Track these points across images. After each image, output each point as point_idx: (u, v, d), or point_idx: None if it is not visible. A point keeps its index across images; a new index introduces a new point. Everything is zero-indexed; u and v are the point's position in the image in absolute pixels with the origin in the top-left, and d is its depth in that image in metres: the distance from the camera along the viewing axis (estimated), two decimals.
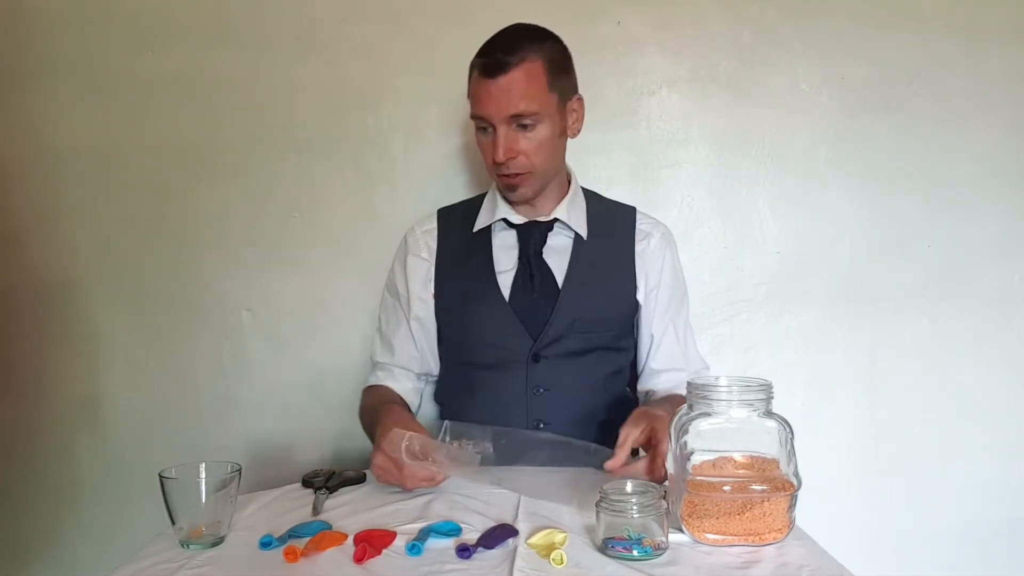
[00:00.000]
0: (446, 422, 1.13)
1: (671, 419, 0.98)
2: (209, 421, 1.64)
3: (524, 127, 1.18)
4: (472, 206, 1.36)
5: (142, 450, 1.64)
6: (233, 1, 1.57)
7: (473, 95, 1.19)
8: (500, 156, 1.17)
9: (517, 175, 1.20)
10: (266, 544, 0.85)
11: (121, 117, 1.59)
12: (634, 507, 0.82)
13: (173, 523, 0.86)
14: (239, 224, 1.61)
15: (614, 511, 0.82)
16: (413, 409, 1.33)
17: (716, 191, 1.61)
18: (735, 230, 1.62)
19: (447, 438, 1.11)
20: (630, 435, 1.01)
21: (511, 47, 1.16)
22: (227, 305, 1.62)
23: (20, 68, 1.59)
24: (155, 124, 1.59)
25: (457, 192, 1.47)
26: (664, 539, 0.83)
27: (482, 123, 1.19)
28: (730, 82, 1.59)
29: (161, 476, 0.86)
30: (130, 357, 1.63)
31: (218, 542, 0.87)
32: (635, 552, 0.81)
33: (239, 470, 0.89)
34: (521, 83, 1.15)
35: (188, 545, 0.86)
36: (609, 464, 0.99)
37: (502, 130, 1.17)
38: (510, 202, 1.29)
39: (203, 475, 0.88)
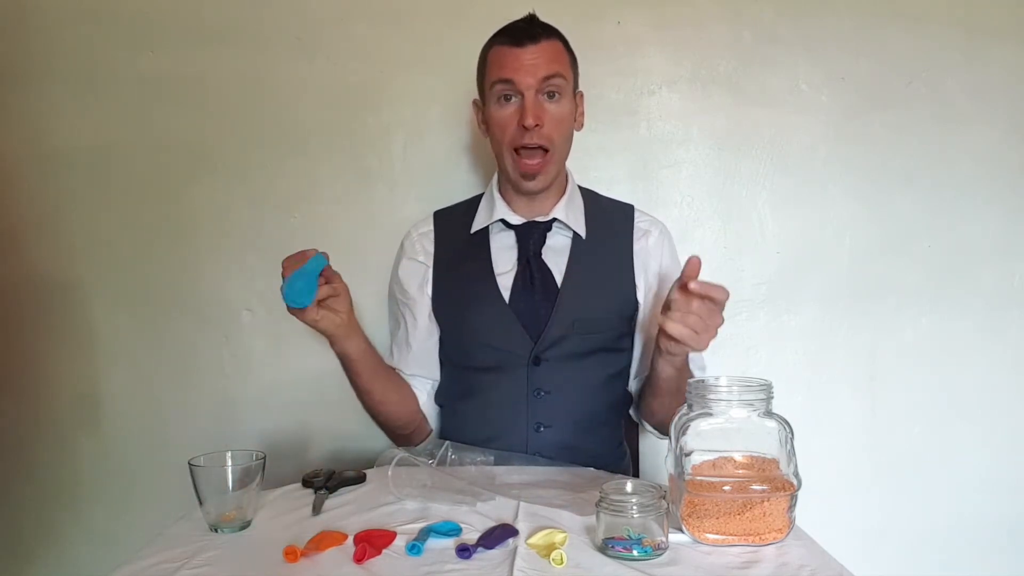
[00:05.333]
0: (447, 442, 1.13)
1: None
2: (209, 421, 1.64)
3: (551, 96, 1.20)
4: (469, 207, 1.35)
5: (142, 450, 1.64)
6: (233, 1, 1.57)
7: (498, 63, 1.20)
8: (530, 120, 1.17)
9: (538, 149, 1.20)
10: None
11: (121, 117, 1.59)
12: (634, 507, 0.82)
13: (202, 507, 0.91)
14: (239, 224, 1.61)
15: (614, 511, 0.82)
16: (421, 426, 1.36)
17: (716, 191, 1.62)
18: (735, 230, 1.62)
19: (448, 457, 1.12)
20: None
21: (536, 25, 1.21)
22: (227, 305, 1.62)
23: (20, 68, 1.59)
24: (155, 124, 1.59)
25: (457, 192, 1.46)
26: (664, 539, 0.83)
27: (507, 90, 1.19)
28: (730, 82, 1.59)
29: (190, 464, 0.90)
30: (130, 357, 1.64)
31: (245, 526, 0.91)
32: (635, 552, 0.81)
33: (264, 459, 0.94)
34: (551, 52, 1.20)
35: (218, 529, 0.90)
36: (692, 282, 1.00)
37: (530, 95, 1.18)
38: (523, 192, 1.27)
39: (229, 463, 0.93)
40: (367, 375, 1.22)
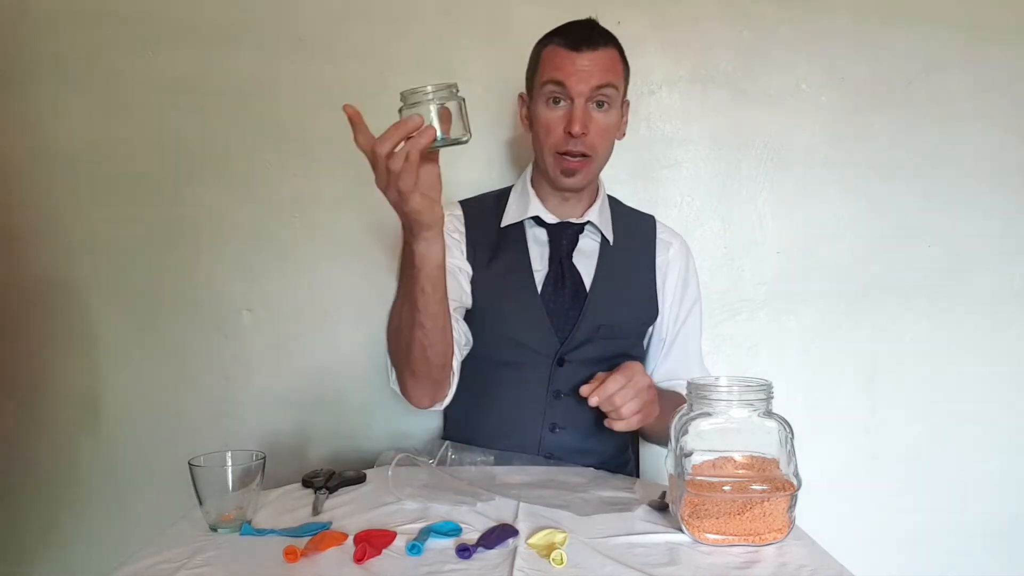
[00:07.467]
0: (447, 442, 1.13)
1: (655, 394, 1.10)
2: (209, 421, 1.64)
3: (600, 105, 1.19)
4: (497, 200, 1.34)
5: (142, 450, 1.64)
6: (234, 1, 1.57)
7: (552, 64, 1.19)
8: (577, 128, 1.17)
9: (580, 156, 1.20)
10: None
11: (121, 117, 1.59)
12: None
13: (202, 507, 0.91)
14: (239, 224, 1.60)
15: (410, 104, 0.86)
16: (458, 351, 1.18)
17: (716, 191, 1.62)
18: (735, 230, 1.62)
19: (448, 457, 1.12)
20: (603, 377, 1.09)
21: (596, 31, 1.20)
22: (227, 305, 1.62)
23: (20, 68, 1.59)
24: (155, 124, 1.59)
25: (458, 192, 1.46)
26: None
27: (557, 93, 1.19)
28: (730, 82, 1.59)
29: (190, 464, 0.90)
30: (130, 357, 1.63)
31: None
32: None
33: (264, 459, 0.93)
34: (606, 60, 1.19)
35: (217, 529, 0.90)
36: (582, 390, 1.08)
37: (580, 103, 1.18)
38: (560, 189, 1.27)
39: (229, 463, 0.92)
40: (438, 296, 1.01)
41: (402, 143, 0.85)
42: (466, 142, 0.89)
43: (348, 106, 0.86)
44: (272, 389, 1.64)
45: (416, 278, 0.98)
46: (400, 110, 0.88)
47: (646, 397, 1.07)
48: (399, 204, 0.90)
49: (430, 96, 0.87)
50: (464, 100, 0.89)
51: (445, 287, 1.02)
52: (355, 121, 0.87)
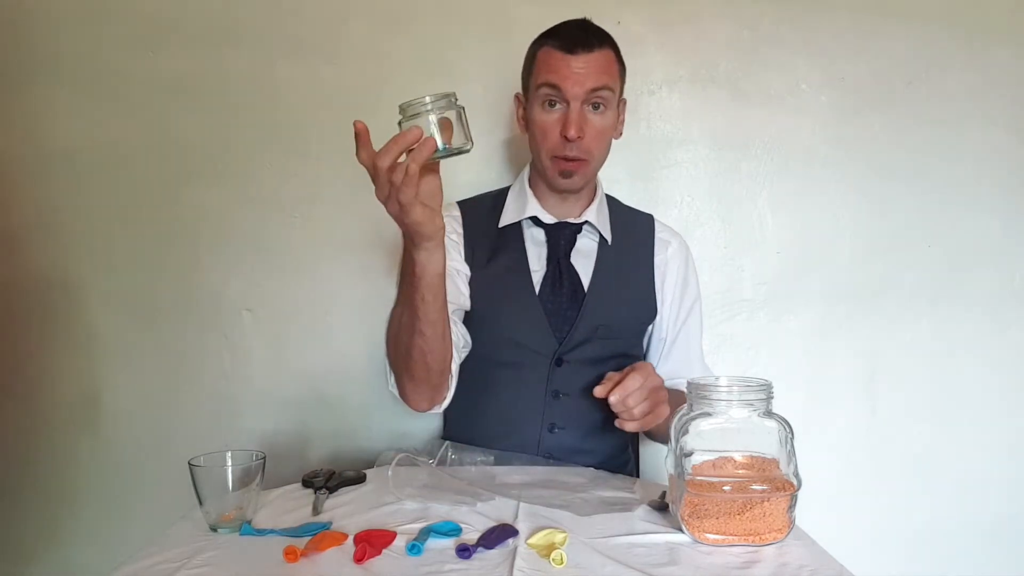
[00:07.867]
0: (447, 442, 1.13)
1: (667, 395, 1.09)
2: (209, 421, 1.64)
3: (596, 107, 1.19)
4: (495, 201, 1.34)
5: (142, 450, 1.64)
6: (234, 2, 1.57)
7: (547, 67, 1.19)
8: (573, 132, 1.17)
9: (576, 160, 1.20)
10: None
11: (121, 117, 1.59)
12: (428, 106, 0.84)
13: (202, 507, 0.91)
14: (239, 224, 1.60)
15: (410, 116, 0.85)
16: (457, 355, 1.18)
17: (716, 191, 1.62)
18: (735, 230, 1.62)
19: (448, 457, 1.12)
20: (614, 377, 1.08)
21: (590, 32, 1.19)
22: (227, 305, 1.62)
23: (20, 68, 1.59)
24: (155, 124, 1.59)
25: (457, 192, 1.46)
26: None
27: (553, 96, 1.19)
28: (730, 82, 1.59)
29: (190, 464, 0.90)
30: (130, 357, 1.63)
31: None
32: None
33: (264, 459, 0.93)
34: (601, 62, 1.18)
35: (217, 529, 0.90)
36: (596, 391, 1.07)
37: (576, 106, 1.18)
38: (558, 190, 1.27)
39: (229, 463, 0.92)
40: (438, 304, 1.01)
41: (403, 155, 0.85)
42: (468, 151, 0.88)
43: (358, 122, 0.87)
44: (272, 389, 1.64)
45: (416, 287, 0.98)
46: (399, 123, 0.88)
47: (657, 398, 1.07)
48: (400, 216, 0.90)
49: (428, 107, 0.86)
50: (464, 109, 0.88)
51: (445, 295, 1.02)
52: (361, 138, 0.87)
